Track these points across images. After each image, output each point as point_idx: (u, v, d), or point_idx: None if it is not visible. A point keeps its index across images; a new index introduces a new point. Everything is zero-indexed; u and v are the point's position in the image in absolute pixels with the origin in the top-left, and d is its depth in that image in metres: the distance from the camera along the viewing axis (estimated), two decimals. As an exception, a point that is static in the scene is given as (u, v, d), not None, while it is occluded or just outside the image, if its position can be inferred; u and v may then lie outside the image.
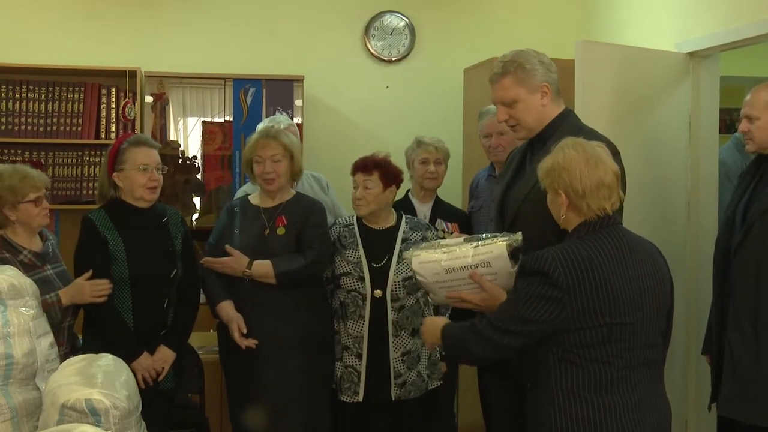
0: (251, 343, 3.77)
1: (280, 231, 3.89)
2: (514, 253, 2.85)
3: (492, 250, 2.87)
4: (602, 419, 2.55)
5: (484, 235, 2.97)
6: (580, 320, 2.52)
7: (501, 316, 2.63)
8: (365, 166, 3.95)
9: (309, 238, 3.90)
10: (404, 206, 4.37)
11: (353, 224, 4.01)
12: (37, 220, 3.65)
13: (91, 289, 3.62)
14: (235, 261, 3.82)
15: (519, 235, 2.85)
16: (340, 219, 4.14)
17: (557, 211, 2.70)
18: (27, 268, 3.57)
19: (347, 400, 3.89)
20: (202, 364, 4.37)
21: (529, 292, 2.56)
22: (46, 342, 3.14)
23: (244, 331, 3.77)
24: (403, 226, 3.99)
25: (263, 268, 3.81)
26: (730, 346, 3.50)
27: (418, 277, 3.01)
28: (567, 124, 3.14)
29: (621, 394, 2.57)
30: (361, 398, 3.88)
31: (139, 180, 3.75)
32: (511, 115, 3.15)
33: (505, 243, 2.85)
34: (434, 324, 2.91)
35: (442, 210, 4.53)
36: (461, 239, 2.98)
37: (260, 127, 4.32)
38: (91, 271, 3.65)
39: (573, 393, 2.57)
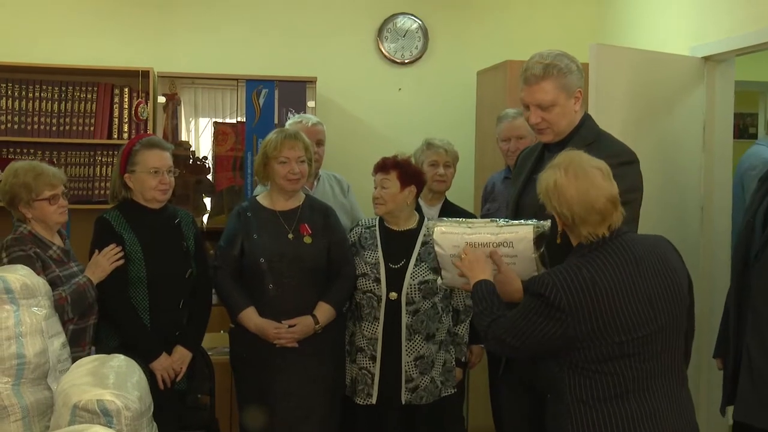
0: (293, 343, 3.77)
1: (307, 240, 3.86)
2: (538, 240, 2.87)
3: (518, 231, 2.90)
4: (619, 429, 2.52)
5: (507, 220, 3.00)
6: (589, 339, 2.51)
7: (508, 326, 2.64)
8: (384, 165, 3.94)
9: (343, 256, 3.92)
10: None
11: (375, 226, 4.00)
12: (53, 218, 3.66)
13: (105, 259, 3.65)
14: (304, 326, 3.79)
15: (548, 223, 2.85)
16: (362, 221, 4.12)
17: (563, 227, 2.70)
18: (56, 264, 3.60)
19: (361, 403, 3.87)
20: (212, 365, 4.36)
21: (530, 308, 2.58)
22: (58, 342, 3.14)
23: (281, 331, 3.77)
24: (423, 229, 3.96)
25: (327, 312, 3.83)
26: (748, 350, 3.46)
27: (436, 248, 3.04)
28: (585, 129, 3.14)
29: (638, 403, 2.54)
30: (374, 400, 3.85)
31: (150, 183, 3.75)
32: (544, 118, 3.12)
33: (532, 226, 2.88)
34: (476, 267, 2.89)
35: (450, 213, 4.47)
36: (487, 220, 3.02)
37: (286, 125, 4.30)
38: (96, 250, 3.68)
39: (587, 403, 2.55)
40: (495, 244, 2.90)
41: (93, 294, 3.60)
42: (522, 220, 2.95)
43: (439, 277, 3.18)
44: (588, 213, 2.57)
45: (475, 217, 4.62)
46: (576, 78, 3.12)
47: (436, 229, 3.02)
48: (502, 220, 3.00)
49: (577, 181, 2.59)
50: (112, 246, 3.67)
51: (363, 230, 4.01)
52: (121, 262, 3.67)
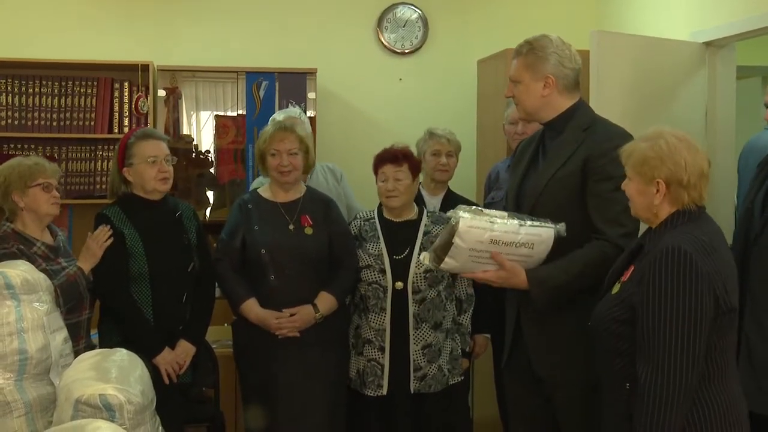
0: (294, 333, 3.76)
1: (308, 231, 3.85)
2: (554, 243, 2.94)
3: (540, 234, 2.94)
4: (724, 413, 2.44)
5: (526, 216, 3.01)
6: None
7: (675, 359, 2.37)
8: (395, 157, 3.90)
9: (345, 247, 3.90)
10: (414, 199, 4.33)
11: (374, 218, 3.98)
12: (44, 207, 3.64)
13: (95, 243, 3.65)
14: (304, 315, 3.78)
15: (563, 226, 2.92)
16: (360, 213, 4.10)
17: (646, 202, 2.58)
18: (42, 260, 3.58)
19: (371, 394, 3.86)
20: (216, 358, 4.37)
21: (691, 308, 2.37)
22: (60, 337, 3.13)
23: (282, 320, 3.76)
24: (424, 220, 3.95)
25: (327, 302, 3.82)
26: (747, 336, 3.45)
27: (456, 239, 2.95)
28: (579, 116, 3.14)
29: (738, 386, 2.50)
30: (385, 391, 3.83)
31: (149, 173, 3.74)
32: (513, 91, 3.22)
33: (553, 230, 2.92)
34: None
35: (453, 202, 4.46)
36: (505, 213, 3.01)
37: (274, 119, 4.29)
38: (90, 233, 3.69)
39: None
40: (517, 245, 2.93)
41: (85, 283, 3.60)
42: (542, 221, 2.96)
43: (427, 257, 3.10)
44: (700, 176, 2.54)
45: (478, 206, 4.60)
46: (551, 65, 3.12)
47: (461, 221, 2.94)
48: (521, 217, 3.00)
49: (687, 142, 2.56)
50: (101, 228, 3.67)
51: (362, 223, 3.99)
52: (111, 240, 3.66)
